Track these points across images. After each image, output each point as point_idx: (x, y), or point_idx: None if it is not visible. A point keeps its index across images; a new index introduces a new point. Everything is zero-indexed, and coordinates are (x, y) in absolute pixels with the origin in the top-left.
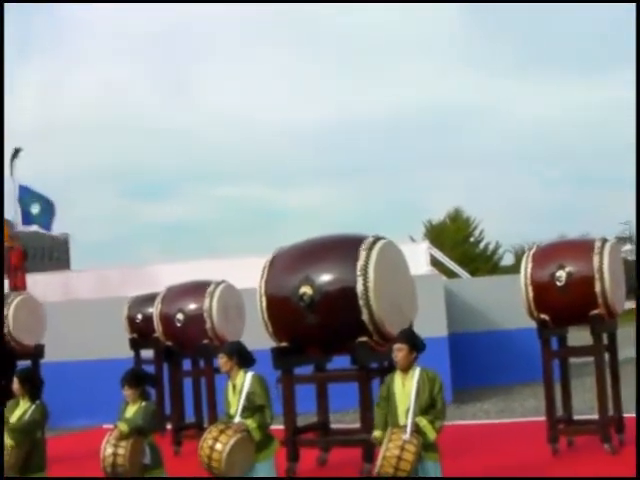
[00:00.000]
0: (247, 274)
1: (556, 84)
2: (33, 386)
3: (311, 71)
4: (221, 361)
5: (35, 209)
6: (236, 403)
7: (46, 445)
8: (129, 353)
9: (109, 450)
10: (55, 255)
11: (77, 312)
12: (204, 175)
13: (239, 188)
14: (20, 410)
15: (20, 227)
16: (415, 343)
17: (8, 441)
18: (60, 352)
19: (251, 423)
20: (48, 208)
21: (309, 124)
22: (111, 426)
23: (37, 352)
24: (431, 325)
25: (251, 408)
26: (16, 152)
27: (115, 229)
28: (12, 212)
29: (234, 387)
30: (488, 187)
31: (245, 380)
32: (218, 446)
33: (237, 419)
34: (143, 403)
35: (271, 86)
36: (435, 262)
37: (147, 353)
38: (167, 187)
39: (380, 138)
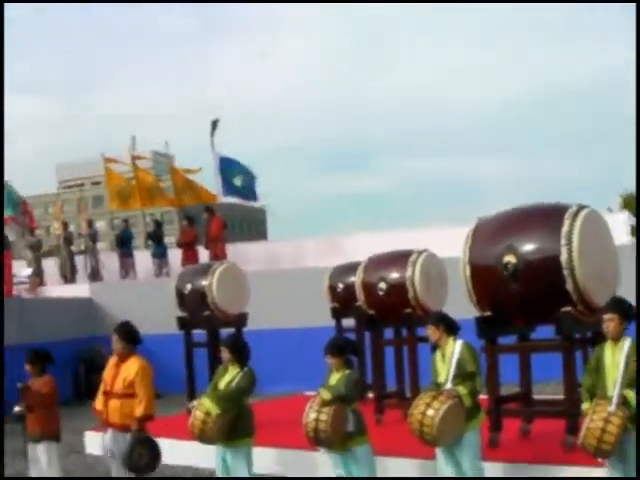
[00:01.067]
0: (443, 244)
1: None
2: (241, 353)
3: (498, 54)
4: (429, 332)
5: (238, 181)
6: (445, 371)
7: (253, 411)
8: (330, 321)
9: (312, 415)
10: (253, 226)
11: (277, 281)
12: (395, 148)
13: (428, 161)
14: (229, 376)
15: (221, 198)
16: (626, 313)
17: (212, 407)
18: (261, 320)
19: (462, 390)
20: (250, 180)
21: (500, 99)
22: (312, 393)
23: (241, 320)
24: (633, 296)
25: (461, 375)
26: (214, 123)
27: (309, 201)
28: (213, 183)
29: (443, 355)
30: None
31: (455, 348)
32: (430, 412)
33: (448, 386)
34: (346, 371)
35: (459, 67)
36: (635, 232)
37: (348, 322)
38: (360, 160)
39: (570, 111)
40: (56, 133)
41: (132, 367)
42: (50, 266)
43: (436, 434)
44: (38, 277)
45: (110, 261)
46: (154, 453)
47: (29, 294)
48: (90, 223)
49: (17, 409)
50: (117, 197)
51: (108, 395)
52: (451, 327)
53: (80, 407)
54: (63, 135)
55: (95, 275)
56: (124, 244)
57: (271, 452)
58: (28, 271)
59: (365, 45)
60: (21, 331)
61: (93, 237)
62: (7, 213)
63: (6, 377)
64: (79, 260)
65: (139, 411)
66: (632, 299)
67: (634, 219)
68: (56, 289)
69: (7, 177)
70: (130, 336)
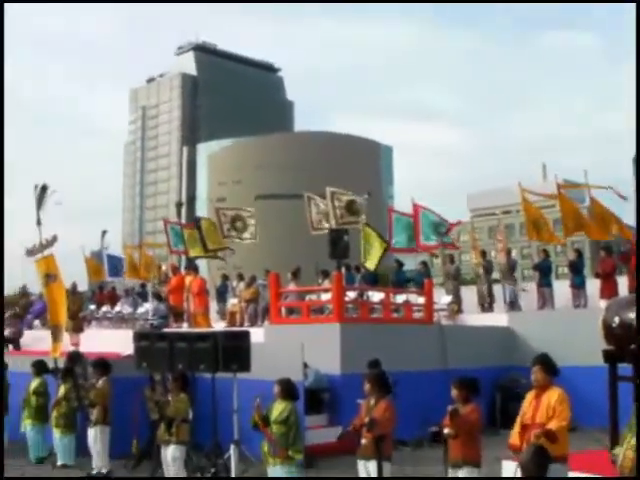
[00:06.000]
0: None
1: None
2: None
3: None
4: None
5: None
6: None
7: None
8: None
9: None
10: None
11: None
12: None
13: None
14: None
15: None
16: None
17: None
18: None
19: None
20: None
21: None
22: None
23: None
24: None
25: None
26: None
27: None
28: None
29: None
30: None
31: None
32: None
33: None
34: None
35: None
36: None
37: None
38: None
39: None
40: (466, 161)
41: (553, 395)
42: (469, 294)
43: None
44: (457, 305)
45: (526, 290)
46: (540, 463)
47: (448, 321)
48: (509, 252)
49: (446, 431)
50: (533, 227)
51: (528, 428)
52: None
53: (494, 436)
54: (473, 163)
55: (513, 304)
56: (544, 274)
57: None
58: (447, 299)
59: None
60: (440, 356)
61: (512, 266)
62: (429, 241)
63: (422, 400)
64: (497, 289)
65: (551, 425)
66: None
67: None
68: (474, 317)
69: (428, 204)
70: (551, 368)
